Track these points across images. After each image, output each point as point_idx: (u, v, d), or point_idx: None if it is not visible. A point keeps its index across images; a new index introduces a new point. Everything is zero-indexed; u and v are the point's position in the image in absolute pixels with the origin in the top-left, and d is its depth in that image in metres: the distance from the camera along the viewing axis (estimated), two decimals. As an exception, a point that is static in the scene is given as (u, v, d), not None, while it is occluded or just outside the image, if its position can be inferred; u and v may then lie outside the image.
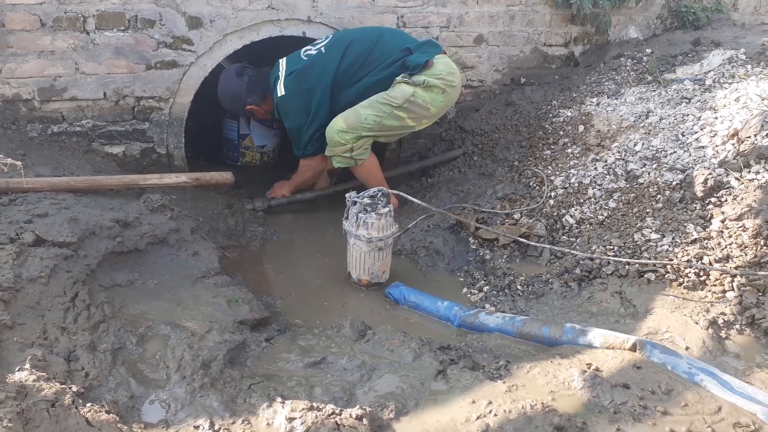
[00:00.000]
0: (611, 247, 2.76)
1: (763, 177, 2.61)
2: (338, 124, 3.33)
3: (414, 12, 3.90)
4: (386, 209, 2.86)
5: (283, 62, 3.47)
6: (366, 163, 3.46)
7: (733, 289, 2.36)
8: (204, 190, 3.52)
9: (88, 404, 1.71)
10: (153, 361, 2.06)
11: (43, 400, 1.61)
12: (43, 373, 1.73)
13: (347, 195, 2.92)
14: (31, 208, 2.51)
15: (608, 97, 3.79)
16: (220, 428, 1.77)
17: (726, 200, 2.65)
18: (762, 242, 2.39)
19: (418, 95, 3.31)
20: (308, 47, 3.45)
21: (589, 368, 2.03)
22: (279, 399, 1.88)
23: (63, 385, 1.72)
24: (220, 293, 2.53)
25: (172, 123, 3.59)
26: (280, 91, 3.40)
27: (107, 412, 1.70)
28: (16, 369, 1.71)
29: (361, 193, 2.89)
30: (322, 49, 3.39)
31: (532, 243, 2.97)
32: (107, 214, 2.61)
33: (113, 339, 2.10)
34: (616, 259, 2.66)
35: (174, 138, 3.62)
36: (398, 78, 3.31)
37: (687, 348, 2.15)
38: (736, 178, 2.68)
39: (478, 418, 1.83)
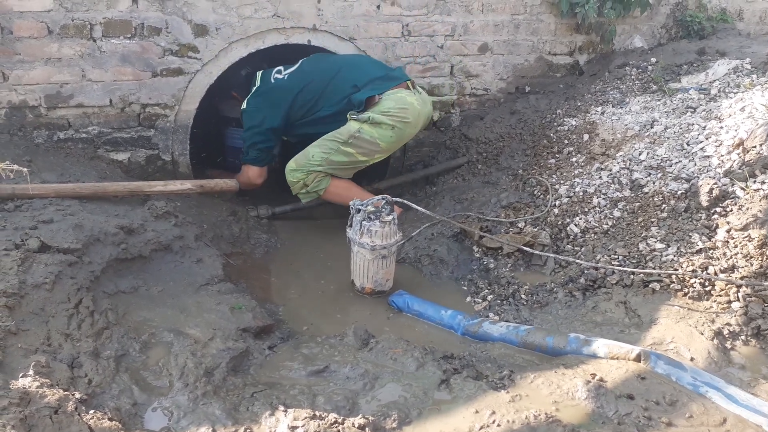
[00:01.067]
0: (616, 256, 2.75)
1: (769, 187, 2.60)
2: (290, 165, 3.48)
3: (419, 21, 3.91)
4: (390, 217, 2.86)
5: (258, 76, 3.60)
6: (329, 189, 3.51)
7: (738, 300, 2.35)
8: (209, 197, 3.52)
9: (91, 411, 1.71)
10: (156, 368, 2.06)
11: (46, 406, 1.61)
12: (47, 380, 1.74)
13: (351, 203, 2.92)
14: (37, 214, 2.52)
15: (613, 106, 3.79)
16: (222, 436, 1.77)
17: (731, 210, 2.64)
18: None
19: (365, 131, 3.37)
20: (280, 69, 3.57)
21: (593, 378, 2.02)
22: (281, 407, 1.88)
23: (66, 392, 1.72)
24: (223, 300, 2.53)
25: (177, 130, 3.60)
26: (244, 105, 3.58)
27: (110, 419, 1.71)
28: (20, 375, 1.72)
29: (365, 201, 2.90)
30: (286, 77, 3.53)
31: (537, 252, 2.96)
32: (112, 221, 2.62)
33: (117, 346, 2.10)
34: (621, 268, 2.65)
35: (179, 145, 3.64)
36: (348, 114, 3.42)
37: (692, 359, 2.14)
38: (742, 188, 2.67)
39: (481, 428, 1.82)
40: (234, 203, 3.74)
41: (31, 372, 1.74)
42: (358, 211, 2.88)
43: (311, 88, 3.49)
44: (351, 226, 2.91)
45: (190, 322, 2.32)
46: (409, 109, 3.43)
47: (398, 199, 3.02)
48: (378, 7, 3.78)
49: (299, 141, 3.61)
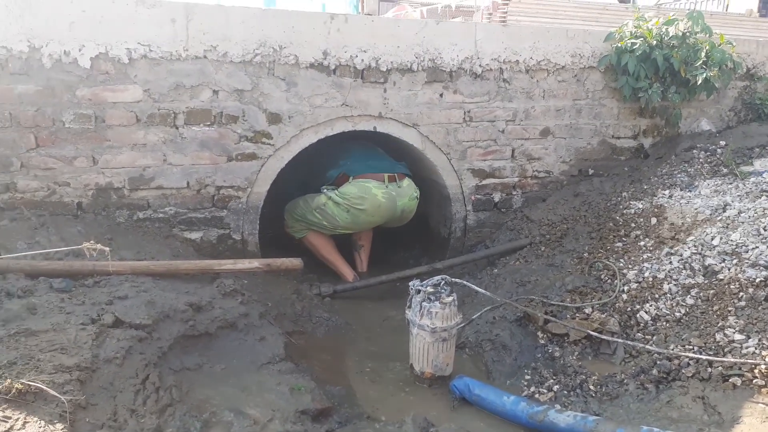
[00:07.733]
0: (690, 346, 2.60)
1: None
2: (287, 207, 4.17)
3: (480, 107, 4.02)
4: (450, 298, 2.84)
5: None
6: (306, 240, 4.16)
7: (832, 400, 2.16)
8: (274, 275, 3.61)
9: (151, 490, 1.72)
10: (216, 448, 2.06)
11: (108, 483, 1.63)
12: (111, 456, 1.77)
13: (411, 283, 2.92)
14: (113, 290, 2.65)
15: (681, 190, 3.70)
16: None
17: (817, 300, 2.47)
18: None
19: (328, 206, 3.90)
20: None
21: (670, 482, 1.87)
22: (338, 496, 1.83)
23: (128, 469, 1.74)
24: (283, 380, 2.54)
25: (248, 211, 3.76)
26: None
27: (168, 500, 1.70)
28: (87, 450, 1.75)
29: (424, 282, 2.89)
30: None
31: (606, 337, 2.84)
32: (182, 298, 2.71)
33: (179, 423, 2.12)
34: (697, 356, 2.50)
35: (249, 225, 3.79)
36: (321, 187, 3.96)
37: (782, 464, 1.96)
38: (828, 277, 2.51)
39: None
40: (299, 281, 3.82)
41: (97, 447, 1.77)
42: (418, 291, 2.87)
43: (320, 159, 4.09)
44: (410, 307, 2.90)
45: (251, 401, 2.33)
46: (368, 198, 3.77)
47: (458, 280, 3.00)
48: (441, 95, 3.92)
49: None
